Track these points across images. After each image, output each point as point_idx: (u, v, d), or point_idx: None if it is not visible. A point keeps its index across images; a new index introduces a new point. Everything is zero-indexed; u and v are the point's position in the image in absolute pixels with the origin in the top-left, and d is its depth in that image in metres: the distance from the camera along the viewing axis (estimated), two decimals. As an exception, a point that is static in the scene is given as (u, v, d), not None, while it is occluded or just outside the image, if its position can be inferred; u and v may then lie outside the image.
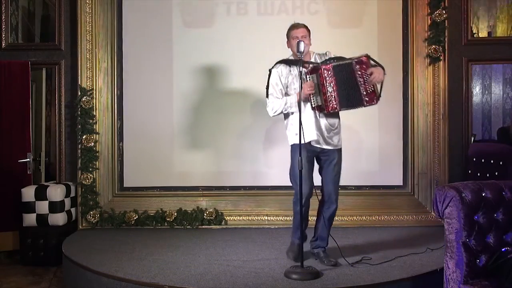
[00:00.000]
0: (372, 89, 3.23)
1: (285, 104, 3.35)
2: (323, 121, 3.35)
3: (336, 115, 3.41)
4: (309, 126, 3.31)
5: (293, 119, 3.38)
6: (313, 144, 3.35)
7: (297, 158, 3.18)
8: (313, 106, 3.29)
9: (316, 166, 3.50)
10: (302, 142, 3.21)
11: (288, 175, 3.52)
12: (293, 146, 3.43)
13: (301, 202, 3.27)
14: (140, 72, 4.83)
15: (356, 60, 3.23)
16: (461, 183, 2.68)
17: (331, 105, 3.21)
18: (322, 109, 3.28)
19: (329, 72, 3.19)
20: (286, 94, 3.41)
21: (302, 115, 3.24)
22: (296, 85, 3.35)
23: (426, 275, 3.21)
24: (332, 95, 3.19)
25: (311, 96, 3.27)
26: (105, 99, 4.77)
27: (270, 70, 3.46)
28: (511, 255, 2.46)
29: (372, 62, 3.28)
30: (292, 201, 3.51)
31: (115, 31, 4.79)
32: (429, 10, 4.68)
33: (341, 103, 3.23)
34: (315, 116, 3.34)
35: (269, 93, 3.43)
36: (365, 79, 3.21)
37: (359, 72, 3.21)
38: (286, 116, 3.47)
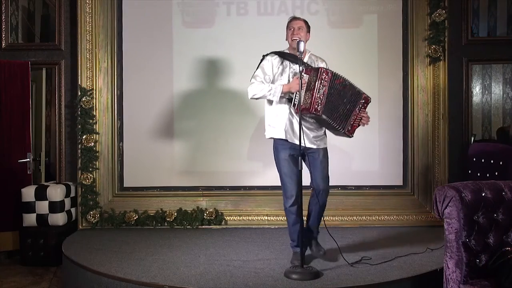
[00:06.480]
0: (356, 125, 3.31)
1: (270, 89, 3.32)
2: (302, 123, 3.29)
3: (318, 125, 3.41)
4: (281, 123, 3.36)
5: (270, 112, 3.44)
6: (290, 141, 3.34)
7: (278, 156, 3.39)
8: (295, 103, 3.25)
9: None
10: (276, 137, 3.38)
11: None
12: (273, 142, 3.46)
13: (303, 204, 3.29)
14: (140, 72, 4.83)
15: (365, 95, 3.29)
16: (461, 183, 2.68)
17: (315, 106, 3.16)
18: (305, 109, 3.21)
19: (327, 78, 3.17)
20: (272, 83, 3.41)
21: (278, 111, 3.36)
22: (283, 77, 3.39)
23: (426, 275, 3.22)
24: (320, 98, 3.16)
25: (296, 93, 3.24)
26: (105, 99, 4.77)
27: (263, 56, 3.48)
28: (511, 255, 2.46)
29: None
30: None
31: (115, 31, 4.79)
32: (429, 10, 4.69)
33: (325, 110, 3.19)
34: (290, 115, 3.35)
35: (255, 74, 3.44)
36: (358, 114, 3.28)
37: (360, 106, 3.28)
38: (268, 108, 3.48)
